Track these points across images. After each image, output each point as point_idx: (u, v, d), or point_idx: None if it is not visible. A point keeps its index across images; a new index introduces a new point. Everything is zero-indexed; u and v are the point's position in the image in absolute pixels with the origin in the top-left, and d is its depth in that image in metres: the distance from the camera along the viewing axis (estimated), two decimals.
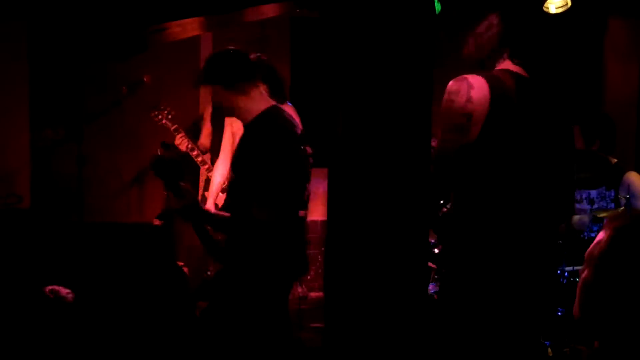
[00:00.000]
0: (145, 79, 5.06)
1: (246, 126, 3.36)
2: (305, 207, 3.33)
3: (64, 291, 3.35)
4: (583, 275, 1.72)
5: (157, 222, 5.44)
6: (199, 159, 5.31)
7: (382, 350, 2.32)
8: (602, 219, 4.44)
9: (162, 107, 5.26)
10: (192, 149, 5.29)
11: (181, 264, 5.29)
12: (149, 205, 5.94)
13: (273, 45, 5.90)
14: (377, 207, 2.27)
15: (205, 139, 5.58)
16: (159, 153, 3.59)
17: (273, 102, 3.34)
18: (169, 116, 5.26)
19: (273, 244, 3.22)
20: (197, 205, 3.20)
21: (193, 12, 2.96)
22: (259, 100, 3.30)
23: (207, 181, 5.33)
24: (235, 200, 3.31)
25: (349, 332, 2.33)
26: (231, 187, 3.46)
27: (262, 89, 3.35)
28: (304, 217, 3.38)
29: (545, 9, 4.63)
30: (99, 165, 5.45)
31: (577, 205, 4.73)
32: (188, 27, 3.43)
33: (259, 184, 3.15)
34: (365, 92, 2.25)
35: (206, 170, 5.31)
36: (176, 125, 5.27)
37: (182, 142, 5.28)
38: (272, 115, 3.27)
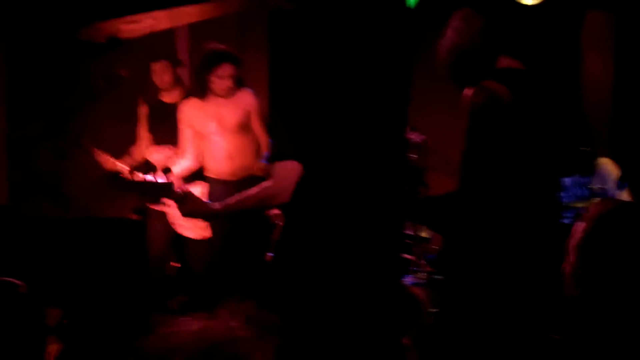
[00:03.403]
0: (122, 74, 5.02)
1: None
2: None
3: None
4: (568, 263, 1.75)
5: (134, 216, 5.41)
6: (127, 174, 5.19)
7: (356, 341, 2.33)
8: (575, 206, 4.45)
9: (82, 141, 5.18)
10: (120, 167, 5.20)
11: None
12: (128, 199, 5.91)
13: (251, 37, 5.88)
14: (353, 199, 2.27)
15: (142, 142, 5.45)
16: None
17: None
18: (89, 145, 5.16)
19: None
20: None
21: (163, 4, 2.95)
22: None
23: None
24: None
25: (324, 324, 2.34)
26: None
27: None
28: None
29: (520, 1, 4.64)
30: (79, 161, 5.41)
31: None
32: (161, 20, 3.42)
33: None
34: (340, 83, 2.26)
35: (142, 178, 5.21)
36: (95, 150, 5.17)
37: (109, 166, 5.20)
38: None
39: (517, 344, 2.74)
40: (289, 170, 3.08)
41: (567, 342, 1.77)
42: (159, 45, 5.36)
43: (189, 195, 3.19)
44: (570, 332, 1.76)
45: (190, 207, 3.20)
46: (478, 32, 2.79)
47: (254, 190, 3.14)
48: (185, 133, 5.03)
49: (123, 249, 4.94)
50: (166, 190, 4.01)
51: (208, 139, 5.01)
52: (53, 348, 3.43)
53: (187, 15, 3.74)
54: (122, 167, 5.20)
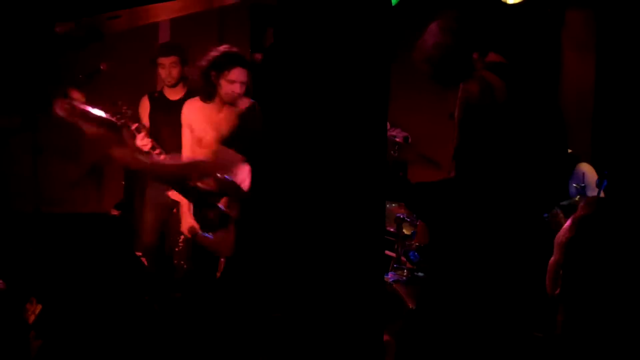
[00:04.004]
0: (102, 67, 4.98)
1: None
2: None
3: None
4: (552, 258, 1.76)
5: (115, 212, 5.39)
6: (162, 157, 5.10)
7: (338, 338, 2.33)
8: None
9: (120, 104, 5.02)
10: (155, 148, 5.06)
11: (139, 254, 5.25)
12: (107, 195, 5.88)
13: (232, 33, 5.87)
14: (333, 196, 2.27)
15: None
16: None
17: None
18: (129, 113, 5.05)
19: None
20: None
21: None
22: None
23: None
24: None
25: (306, 322, 2.34)
26: None
27: None
28: None
29: (503, 0, 4.67)
30: (56, 155, 5.37)
31: None
32: (143, 15, 3.40)
33: None
34: (320, 78, 2.25)
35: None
36: (137, 124, 5.00)
37: (145, 143, 5.06)
38: None
39: (501, 340, 2.75)
40: (231, 158, 3.11)
41: (548, 339, 1.78)
42: (141, 39, 5.35)
43: (135, 134, 3.23)
44: (552, 330, 1.77)
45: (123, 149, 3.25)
46: (460, 32, 2.81)
47: (186, 160, 3.19)
48: (185, 135, 4.82)
49: (103, 244, 4.91)
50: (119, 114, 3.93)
51: (204, 146, 4.86)
52: (33, 344, 3.40)
53: (169, 10, 3.73)
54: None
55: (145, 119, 5.36)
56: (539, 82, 2.88)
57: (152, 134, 5.27)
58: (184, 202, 4.91)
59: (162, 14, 4.67)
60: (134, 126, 5.01)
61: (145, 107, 5.36)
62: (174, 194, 5.09)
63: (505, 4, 4.70)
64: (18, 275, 4.00)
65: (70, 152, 5.42)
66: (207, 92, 4.66)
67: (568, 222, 1.77)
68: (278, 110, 2.72)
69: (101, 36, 3.57)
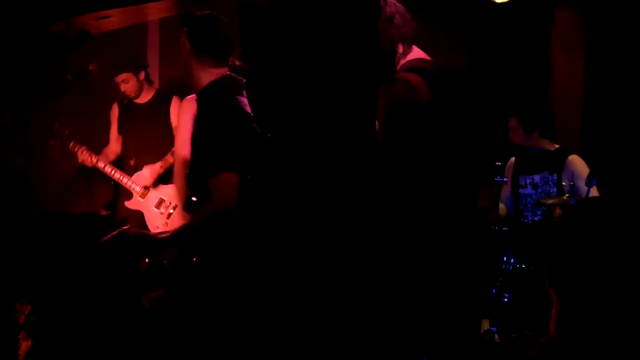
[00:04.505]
0: (91, 67, 4.98)
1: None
2: None
3: None
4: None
5: (104, 212, 5.39)
6: (108, 169, 5.21)
7: (331, 338, 2.34)
8: (544, 203, 4.51)
9: (55, 130, 5.19)
10: (98, 161, 5.20)
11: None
12: (97, 195, 5.87)
13: None
14: (325, 195, 2.28)
15: (114, 143, 5.45)
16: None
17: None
18: (65, 134, 5.20)
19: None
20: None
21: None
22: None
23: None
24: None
25: (302, 321, 2.34)
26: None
27: None
28: None
29: None
30: (46, 155, 5.37)
31: (522, 191, 4.80)
32: (132, 15, 3.40)
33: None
34: (310, 78, 2.26)
35: (120, 178, 5.23)
36: (73, 141, 5.21)
37: (85, 158, 5.20)
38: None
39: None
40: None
41: (537, 337, 1.78)
42: (130, 39, 5.33)
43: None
44: (541, 328, 1.78)
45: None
46: (382, 24, 2.79)
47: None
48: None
49: (93, 244, 4.91)
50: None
51: None
52: (22, 344, 3.40)
53: (159, 10, 3.74)
54: (98, 160, 5.19)
55: (115, 125, 5.40)
56: (464, 79, 2.88)
57: (122, 139, 5.34)
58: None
59: (153, 14, 4.67)
60: (70, 145, 5.14)
61: (114, 114, 5.40)
62: (131, 204, 5.17)
63: (494, 2, 4.71)
64: (8, 275, 3.99)
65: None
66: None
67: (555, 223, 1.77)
68: (268, 111, 2.72)
69: (90, 36, 3.57)
